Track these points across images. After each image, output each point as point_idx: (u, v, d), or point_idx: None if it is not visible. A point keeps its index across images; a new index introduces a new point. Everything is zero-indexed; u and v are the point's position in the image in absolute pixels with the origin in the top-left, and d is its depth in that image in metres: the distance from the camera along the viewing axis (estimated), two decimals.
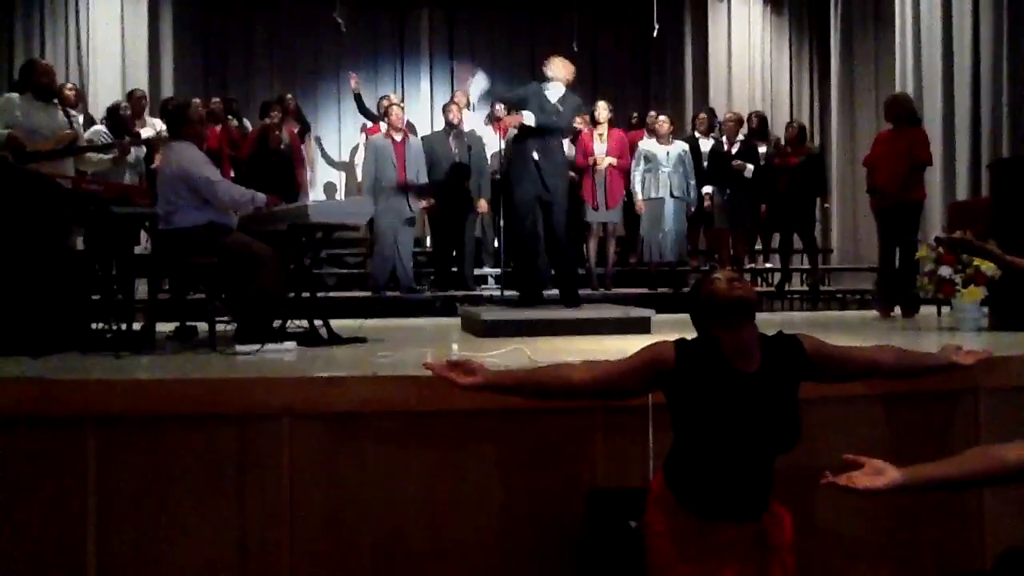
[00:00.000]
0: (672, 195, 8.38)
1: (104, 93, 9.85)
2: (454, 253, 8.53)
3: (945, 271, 4.92)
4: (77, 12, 10.39)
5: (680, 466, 2.40)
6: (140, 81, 10.15)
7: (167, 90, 10.50)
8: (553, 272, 6.18)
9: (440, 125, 8.93)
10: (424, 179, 8.03)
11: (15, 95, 5.57)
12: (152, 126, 8.33)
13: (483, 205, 8.38)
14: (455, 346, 4.60)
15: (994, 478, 2.04)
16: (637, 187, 8.43)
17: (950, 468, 2.05)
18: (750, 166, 8.41)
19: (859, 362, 2.64)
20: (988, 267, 4.75)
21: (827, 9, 11.23)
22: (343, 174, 11.38)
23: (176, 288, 5.37)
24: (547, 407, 2.89)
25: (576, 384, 2.49)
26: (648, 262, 8.60)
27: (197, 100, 7.88)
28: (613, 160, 8.22)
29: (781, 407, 2.35)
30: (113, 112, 7.49)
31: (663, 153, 8.39)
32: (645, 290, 8.49)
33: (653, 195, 8.42)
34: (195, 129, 4.65)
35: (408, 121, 8.61)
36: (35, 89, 5.53)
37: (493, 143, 8.60)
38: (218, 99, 9.33)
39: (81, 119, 6.11)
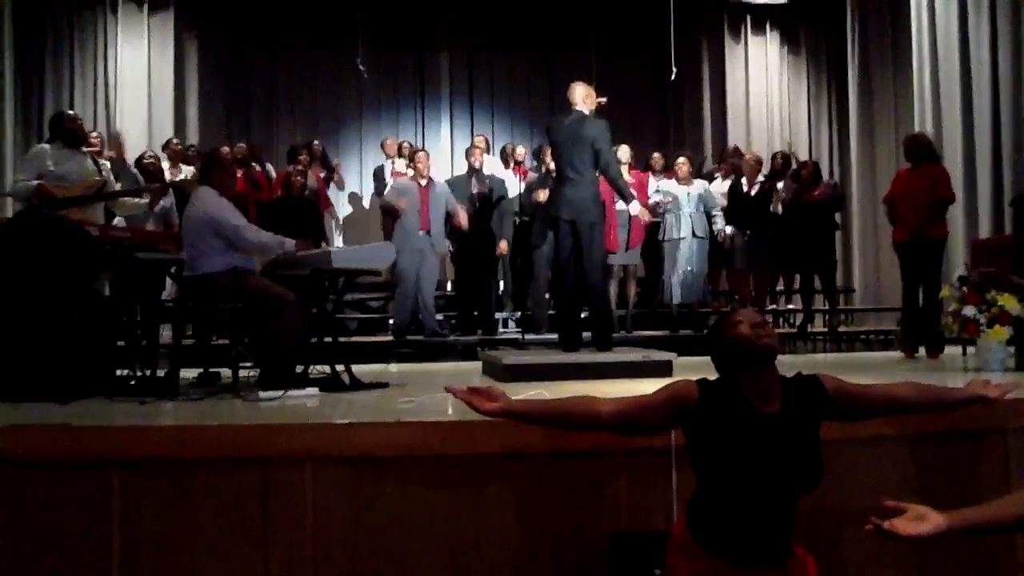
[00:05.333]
0: (694, 235, 8.39)
1: (131, 140, 10.01)
2: (475, 297, 8.56)
3: (969, 310, 4.87)
4: (106, 60, 10.61)
5: (702, 510, 2.39)
6: (166, 127, 10.34)
7: (192, 136, 10.67)
8: (584, 315, 6.12)
9: (460, 167, 9.01)
10: (442, 224, 8.10)
11: (47, 145, 5.71)
12: (186, 174, 8.46)
13: (503, 246, 8.42)
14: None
15: None
16: (656, 198, 8.43)
17: (993, 512, 2.02)
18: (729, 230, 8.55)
19: (880, 398, 2.63)
20: (1013, 306, 4.70)
21: (844, 48, 11.27)
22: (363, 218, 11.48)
23: (200, 333, 5.42)
24: (568, 450, 2.89)
25: (600, 415, 2.50)
26: (669, 303, 8.59)
27: (225, 148, 8.03)
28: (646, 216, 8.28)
29: (803, 447, 2.34)
30: (138, 164, 7.62)
31: (683, 194, 8.41)
32: (666, 332, 8.45)
33: (675, 236, 8.42)
34: (225, 176, 4.73)
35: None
36: (65, 137, 5.67)
37: (514, 186, 8.66)
38: (243, 144, 9.46)
39: (109, 165, 6.22)
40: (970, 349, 6.10)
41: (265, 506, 2.96)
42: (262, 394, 4.04)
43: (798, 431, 2.36)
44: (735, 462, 2.29)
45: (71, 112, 6.17)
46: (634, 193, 6.32)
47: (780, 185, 8.67)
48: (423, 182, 8.01)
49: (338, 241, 11.11)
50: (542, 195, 5.78)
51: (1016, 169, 8.14)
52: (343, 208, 11.36)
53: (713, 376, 2.47)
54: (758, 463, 2.28)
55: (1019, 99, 8.14)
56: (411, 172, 8.44)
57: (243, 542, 2.95)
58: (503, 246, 8.43)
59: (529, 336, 7.82)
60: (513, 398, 2.56)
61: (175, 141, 9.06)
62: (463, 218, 7.98)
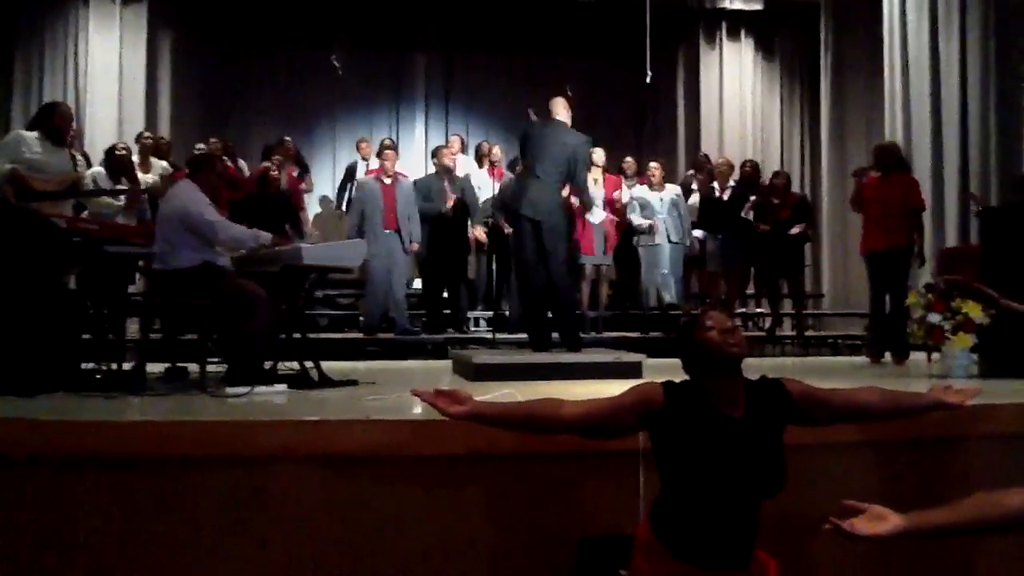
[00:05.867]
0: (669, 240, 8.44)
1: (100, 134, 9.92)
2: (446, 295, 8.56)
3: (935, 318, 4.94)
4: (76, 53, 10.50)
5: (666, 512, 2.40)
6: (137, 122, 10.23)
7: (164, 131, 10.54)
8: (551, 315, 6.15)
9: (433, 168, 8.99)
10: (416, 222, 8.08)
11: (29, 133, 5.55)
12: (156, 168, 8.36)
13: (479, 232, 8.47)
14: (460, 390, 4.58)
15: (995, 525, 2.03)
16: (637, 219, 8.45)
17: (952, 514, 2.04)
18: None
19: (844, 404, 2.64)
20: (977, 314, 4.77)
21: (818, 56, 11.38)
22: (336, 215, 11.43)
23: (168, 328, 5.37)
24: (538, 451, 2.89)
25: (565, 418, 2.50)
26: (644, 306, 8.63)
27: (202, 145, 7.95)
28: (604, 215, 8.31)
29: (766, 451, 2.36)
30: (110, 154, 7.51)
31: (656, 200, 8.45)
32: (637, 334, 8.49)
33: (650, 241, 8.47)
34: (212, 177, 4.72)
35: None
36: (50, 131, 5.53)
37: (487, 187, 8.66)
38: (216, 140, 9.37)
39: (84, 162, 6.13)
40: (935, 356, 6.18)
41: (228, 503, 2.93)
42: (229, 390, 4.01)
43: (762, 435, 2.37)
44: (699, 465, 2.31)
45: (65, 107, 6.02)
46: (595, 201, 6.40)
47: (752, 198, 8.73)
48: (388, 180, 7.98)
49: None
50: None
51: (983, 180, 8.25)
52: (314, 206, 11.32)
53: (681, 378, 2.48)
54: (721, 467, 2.30)
55: (986, 110, 8.26)
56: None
57: (204, 539, 2.93)
58: (479, 232, 8.46)
59: (500, 335, 7.82)
60: (480, 399, 2.56)
61: (147, 134, 8.96)
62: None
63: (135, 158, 8.23)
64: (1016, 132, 8.15)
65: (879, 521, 2.01)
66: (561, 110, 5.87)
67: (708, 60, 12.48)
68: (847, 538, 2.01)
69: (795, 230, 8.24)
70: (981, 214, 6.25)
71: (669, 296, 8.51)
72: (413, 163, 11.80)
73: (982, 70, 8.32)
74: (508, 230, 7.30)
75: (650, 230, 8.41)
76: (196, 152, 6.23)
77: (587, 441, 2.63)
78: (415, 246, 8.15)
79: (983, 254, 5.39)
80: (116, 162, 7.42)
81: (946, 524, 2.02)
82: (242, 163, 9.50)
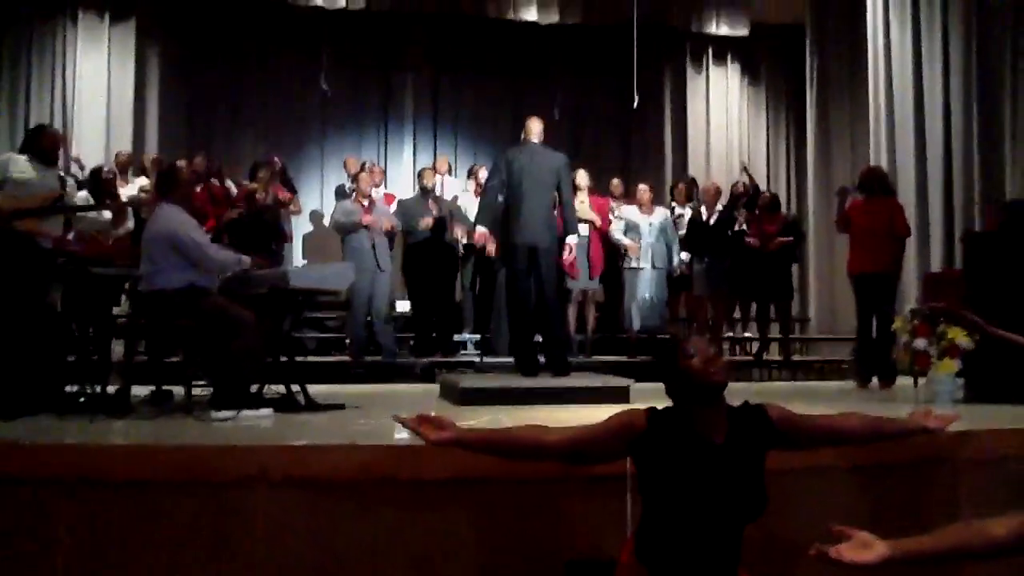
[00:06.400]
0: (654, 266, 8.45)
1: (88, 151, 9.86)
2: (434, 318, 8.54)
3: (920, 343, 4.97)
4: (64, 68, 10.49)
5: (649, 536, 2.41)
6: (124, 139, 10.22)
7: (152, 149, 10.53)
8: (540, 339, 6.15)
9: None
10: (387, 243, 8.08)
11: (19, 156, 5.54)
12: (135, 185, 8.34)
13: (459, 232, 8.47)
14: (432, 414, 4.56)
15: (980, 553, 2.04)
16: (622, 239, 8.46)
17: (937, 542, 2.04)
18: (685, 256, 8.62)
19: (825, 429, 2.67)
20: (963, 340, 4.80)
21: (803, 80, 11.47)
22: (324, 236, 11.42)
23: (154, 350, 5.34)
24: (525, 476, 2.88)
25: (549, 446, 2.51)
26: (628, 329, 8.63)
27: (182, 162, 7.94)
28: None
29: (748, 477, 2.38)
30: (96, 175, 7.49)
31: (645, 224, 8.46)
32: (624, 358, 8.49)
33: (635, 265, 8.48)
34: (184, 192, 4.69)
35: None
36: (39, 153, 5.52)
37: (473, 209, 8.68)
38: (201, 158, 9.36)
39: (74, 182, 6.13)
40: (921, 380, 6.20)
41: (215, 528, 2.91)
42: (215, 414, 3.99)
43: (743, 461, 2.39)
44: (681, 491, 2.32)
45: (53, 129, 6.04)
46: (576, 224, 6.40)
47: (740, 216, 8.78)
48: (365, 202, 7.98)
49: (298, 260, 11.06)
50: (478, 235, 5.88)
51: (966, 203, 8.32)
52: (303, 226, 11.32)
53: (665, 404, 2.49)
54: (703, 492, 2.31)
55: (969, 134, 8.34)
56: (373, 192, 8.41)
57: (192, 563, 2.90)
58: (459, 232, 8.47)
59: (488, 359, 7.81)
60: (468, 423, 2.56)
61: (122, 154, 8.96)
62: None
63: (135, 186, 8.25)
64: (999, 156, 8.24)
65: (865, 549, 2.01)
66: (537, 130, 5.88)
67: (695, 84, 12.58)
68: (832, 565, 2.01)
69: (779, 240, 8.25)
70: (963, 240, 6.30)
71: (646, 320, 8.51)
72: (403, 184, 11.81)
73: (964, 94, 8.42)
74: (491, 248, 7.34)
75: (625, 252, 8.42)
76: (160, 171, 6.19)
77: (573, 467, 2.63)
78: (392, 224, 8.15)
79: (966, 279, 5.44)
80: (101, 185, 7.40)
81: (931, 551, 2.03)
82: (229, 182, 9.47)
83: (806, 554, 2.03)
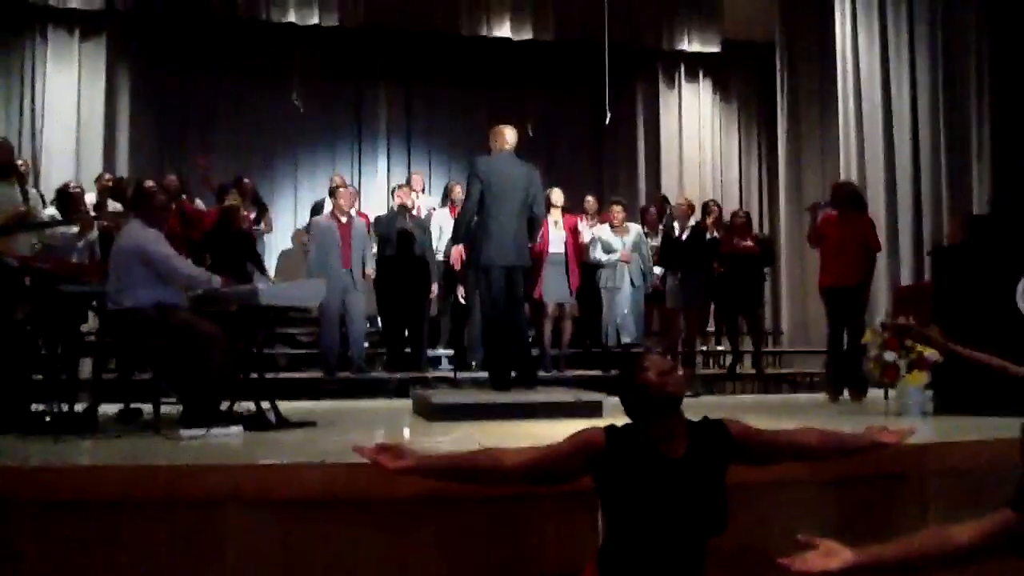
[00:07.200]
0: (632, 284, 8.49)
1: (57, 169, 9.79)
2: (407, 333, 8.52)
3: (890, 356, 5.01)
4: (33, 85, 10.41)
5: (612, 553, 2.41)
6: (95, 157, 10.14)
7: (122, 167, 10.46)
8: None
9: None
10: (370, 260, 8.09)
11: None
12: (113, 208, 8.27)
13: (434, 289, 8.44)
14: (407, 431, 4.55)
15: (945, 559, 2.07)
16: (602, 256, 8.48)
17: (901, 549, 2.08)
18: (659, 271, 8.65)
19: (784, 444, 2.70)
20: (931, 352, 4.84)
21: (774, 96, 11.58)
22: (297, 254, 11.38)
23: (122, 368, 5.28)
24: (496, 494, 2.86)
25: (507, 469, 2.50)
26: (604, 343, 8.65)
27: (151, 183, 7.88)
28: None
29: (708, 492, 2.39)
30: (63, 194, 7.42)
31: (619, 243, 8.48)
32: (599, 372, 8.49)
33: (613, 284, 8.51)
34: (153, 209, 4.65)
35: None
36: None
37: (448, 226, 8.68)
38: (174, 176, 9.29)
39: (35, 193, 6.07)
40: (892, 393, 6.26)
41: (183, 549, 2.87)
42: (184, 432, 3.94)
43: (703, 476, 2.40)
44: (641, 507, 2.33)
45: (4, 139, 5.98)
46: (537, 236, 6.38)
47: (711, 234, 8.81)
48: (344, 219, 7.96)
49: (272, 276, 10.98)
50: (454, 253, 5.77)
51: (935, 217, 8.43)
52: (278, 242, 11.25)
53: (625, 421, 2.49)
54: (664, 508, 2.32)
55: (937, 149, 8.47)
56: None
57: None
58: (434, 289, 8.45)
59: (462, 375, 7.79)
60: (439, 438, 2.55)
61: (107, 176, 8.88)
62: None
63: (91, 196, 8.15)
64: (966, 171, 8.35)
65: (830, 557, 2.04)
66: (512, 139, 5.76)
67: (667, 101, 12.68)
68: (799, 574, 2.03)
69: (747, 243, 8.28)
70: (932, 255, 6.37)
71: (627, 337, 8.54)
72: (377, 200, 11.79)
73: (932, 110, 8.56)
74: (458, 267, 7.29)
75: (609, 265, 8.44)
76: (133, 191, 6.16)
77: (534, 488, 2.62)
78: (370, 273, 8.13)
79: (935, 292, 5.49)
80: (68, 201, 7.34)
81: (895, 558, 2.07)
82: (199, 201, 9.41)
83: (776, 566, 2.05)
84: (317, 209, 10.18)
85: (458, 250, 5.84)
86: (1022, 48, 8.28)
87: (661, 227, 9.24)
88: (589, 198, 9.60)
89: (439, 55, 12.35)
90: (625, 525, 2.37)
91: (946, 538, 2.05)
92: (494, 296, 5.63)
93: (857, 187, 7.41)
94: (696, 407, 3.05)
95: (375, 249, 8.38)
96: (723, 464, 2.47)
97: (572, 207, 9.04)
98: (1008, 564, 2.06)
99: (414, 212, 8.85)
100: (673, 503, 2.32)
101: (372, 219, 8.99)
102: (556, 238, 8.35)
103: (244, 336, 4.72)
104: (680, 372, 2.53)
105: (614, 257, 8.46)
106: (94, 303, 4.98)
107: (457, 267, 6.80)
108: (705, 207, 9.11)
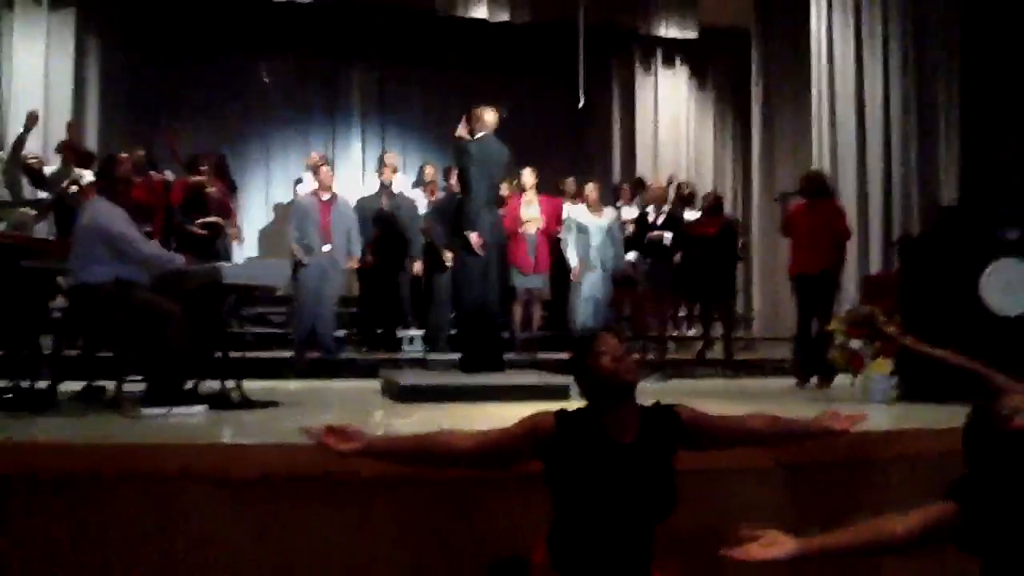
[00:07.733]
0: (603, 268, 8.45)
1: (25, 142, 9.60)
2: (378, 314, 8.48)
3: (855, 343, 5.04)
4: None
5: (561, 537, 2.42)
6: (62, 130, 9.94)
7: (91, 142, 10.28)
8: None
9: (371, 185, 8.95)
10: (356, 241, 7.97)
11: None
12: (81, 176, 8.13)
13: (418, 267, 8.38)
14: (379, 413, 4.53)
15: (883, 548, 2.16)
16: (571, 254, 8.43)
17: (844, 538, 2.15)
18: (668, 235, 8.46)
19: (734, 429, 2.72)
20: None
21: (749, 83, 11.60)
22: (269, 233, 11.31)
23: (88, 347, 5.21)
24: (456, 474, 2.85)
25: (456, 451, 2.50)
26: (573, 328, 8.63)
27: (125, 155, 7.76)
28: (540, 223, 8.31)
29: (657, 477, 2.40)
30: (28, 169, 7.31)
31: (594, 225, 8.42)
32: (569, 355, 8.46)
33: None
34: (120, 186, 4.58)
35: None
36: None
37: (423, 205, 8.64)
38: (142, 152, 9.13)
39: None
40: (857, 379, 6.31)
41: (140, 528, 2.84)
42: (145, 411, 3.91)
43: (652, 461, 2.41)
44: (589, 491, 2.33)
45: None
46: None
47: (687, 216, 8.82)
48: (325, 197, 7.87)
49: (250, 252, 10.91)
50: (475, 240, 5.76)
51: (905, 206, 8.49)
52: (253, 221, 11.16)
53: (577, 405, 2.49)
54: (612, 492, 2.32)
55: (908, 140, 8.53)
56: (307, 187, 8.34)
57: (114, 564, 2.82)
58: (418, 266, 8.40)
59: (432, 356, 7.76)
60: (403, 420, 2.53)
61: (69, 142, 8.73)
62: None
63: (52, 167, 8.03)
64: (936, 162, 8.41)
65: (772, 545, 2.08)
66: (493, 122, 5.86)
67: (643, 84, 12.67)
68: (743, 564, 2.06)
69: (700, 230, 8.24)
70: (898, 244, 6.42)
71: (594, 321, 8.53)
72: (352, 180, 11.71)
73: (903, 100, 8.61)
74: (448, 256, 7.24)
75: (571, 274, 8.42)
76: (100, 163, 6.07)
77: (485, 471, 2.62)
78: (354, 262, 8.06)
79: (901, 282, 5.53)
80: (27, 173, 7.23)
81: (837, 547, 2.14)
82: (168, 172, 9.25)
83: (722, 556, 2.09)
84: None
85: (476, 236, 5.73)
86: (992, 41, 8.35)
87: (635, 204, 9.26)
88: (569, 179, 9.60)
89: (414, 35, 12.23)
90: (573, 509, 2.37)
91: (884, 528, 2.14)
92: (481, 273, 5.70)
93: (825, 175, 7.43)
94: (664, 393, 3.04)
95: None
96: (672, 449, 2.48)
97: (547, 189, 9.02)
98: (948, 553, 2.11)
99: (394, 190, 8.80)
100: (620, 488, 2.32)
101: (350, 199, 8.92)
102: (529, 216, 8.32)
103: (207, 314, 4.66)
104: (633, 357, 2.52)
105: (572, 263, 8.42)
106: (60, 280, 4.92)
107: (482, 254, 6.64)
108: (678, 188, 9.14)
